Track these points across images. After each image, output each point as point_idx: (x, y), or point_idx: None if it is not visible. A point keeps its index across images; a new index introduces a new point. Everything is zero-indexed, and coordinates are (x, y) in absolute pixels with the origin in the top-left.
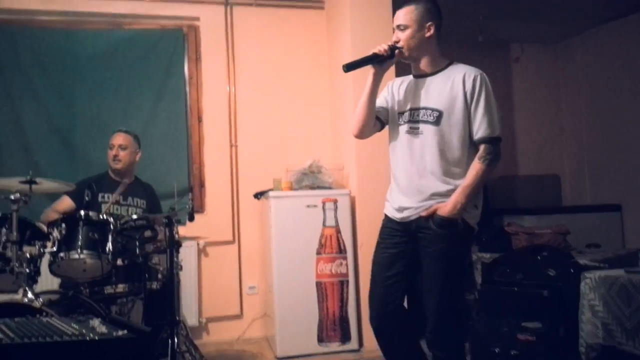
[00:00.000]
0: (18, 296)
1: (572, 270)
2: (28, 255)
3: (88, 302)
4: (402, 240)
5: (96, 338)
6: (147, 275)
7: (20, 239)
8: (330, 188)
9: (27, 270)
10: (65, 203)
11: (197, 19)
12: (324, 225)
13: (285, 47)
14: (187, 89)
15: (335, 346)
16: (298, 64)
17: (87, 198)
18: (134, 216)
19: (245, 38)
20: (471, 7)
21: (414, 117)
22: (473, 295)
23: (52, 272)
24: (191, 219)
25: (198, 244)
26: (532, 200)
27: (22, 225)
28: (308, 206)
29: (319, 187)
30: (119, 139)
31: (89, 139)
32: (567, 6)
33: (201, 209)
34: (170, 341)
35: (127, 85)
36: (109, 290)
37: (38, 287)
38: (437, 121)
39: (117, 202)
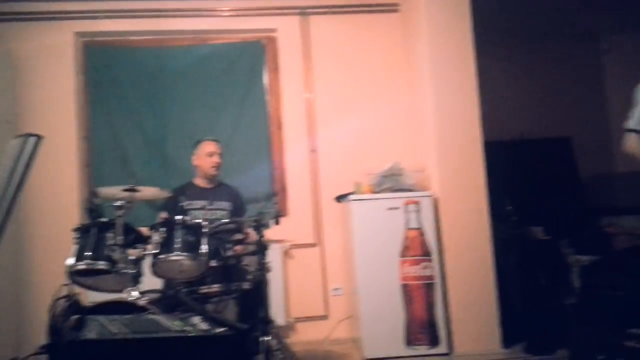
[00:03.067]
0: (124, 295)
1: None
2: (132, 257)
3: (187, 301)
4: None
5: (200, 334)
6: (239, 276)
7: (125, 243)
8: (412, 190)
9: (132, 271)
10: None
11: (275, 30)
12: (407, 227)
13: (361, 52)
14: (267, 98)
15: (423, 349)
16: (375, 67)
17: (181, 204)
18: (225, 220)
19: (321, 45)
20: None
21: None
22: (571, 300)
23: (153, 273)
24: (277, 222)
25: (283, 247)
26: (633, 198)
27: (126, 229)
28: (390, 209)
29: (400, 190)
30: (214, 146)
31: (179, 149)
32: None
33: (284, 212)
34: (263, 339)
35: (212, 97)
36: (204, 290)
37: (142, 287)
38: None
39: (203, 208)
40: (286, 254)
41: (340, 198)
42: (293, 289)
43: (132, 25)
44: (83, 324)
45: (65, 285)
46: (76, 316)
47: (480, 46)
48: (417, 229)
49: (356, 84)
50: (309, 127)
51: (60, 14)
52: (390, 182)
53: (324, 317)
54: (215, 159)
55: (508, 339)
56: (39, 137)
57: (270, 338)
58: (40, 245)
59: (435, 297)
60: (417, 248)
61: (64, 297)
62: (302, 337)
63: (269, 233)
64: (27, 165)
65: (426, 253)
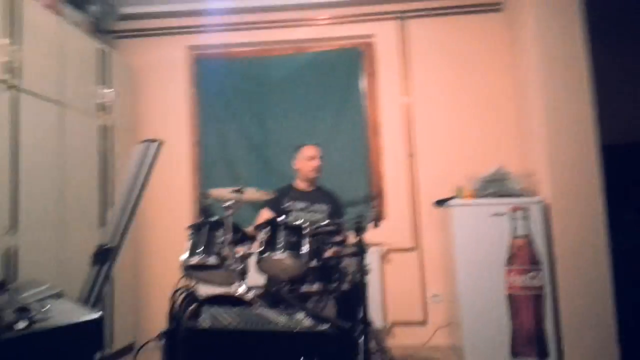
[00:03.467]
0: (233, 289)
1: None
2: (239, 254)
3: (289, 299)
4: None
5: (304, 330)
6: (338, 277)
7: (233, 240)
8: (519, 195)
9: (239, 267)
10: (265, 215)
11: (372, 36)
12: (513, 235)
13: (462, 54)
14: (365, 103)
15: None
16: (477, 68)
17: (284, 205)
18: (324, 222)
19: (419, 49)
20: None
21: None
22: None
23: (257, 270)
24: (376, 225)
25: (380, 250)
26: None
27: (234, 228)
28: (494, 215)
29: (505, 195)
30: (315, 150)
31: (279, 153)
32: None
33: (382, 216)
34: (362, 340)
35: (311, 103)
36: (305, 288)
37: (248, 282)
38: None
39: (303, 210)
40: (384, 257)
41: (439, 203)
42: (390, 292)
43: (237, 37)
44: (199, 314)
45: (182, 278)
46: (193, 306)
47: (596, 41)
48: (525, 236)
49: (457, 86)
50: (407, 131)
51: (174, 29)
52: (495, 186)
53: (422, 323)
54: (315, 163)
55: (627, 359)
56: (160, 143)
57: (369, 340)
58: (157, 241)
59: (545, 308)
60: (524, 257)
61: (183, 288)
62: (399, 341)
63: (367, 236)
64: (150, 168)
65: (535, 262)
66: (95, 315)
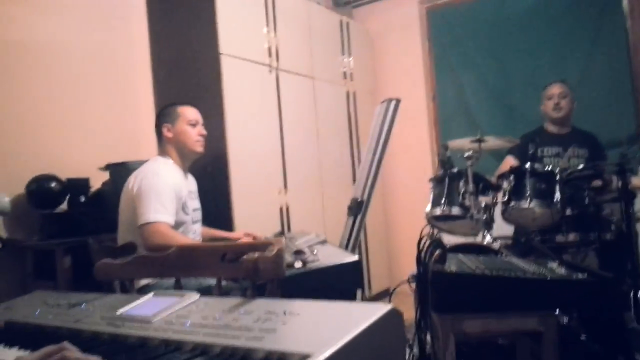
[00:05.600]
0: (478, 239)
1: None
2: (483, 204)
3: (541, 248)
4: None
5: (560, 279)
6: (599, 226)
7: (476, 190)
8: None
9: (484, 217)
10: (509, 162)
11: None
12: None
13: None
14: (628, 24)
15: None
16: None
17: (531, 151)
18: (580, 166)
19: None
20: None
21: None
22: None
23: (504, 219)
24: None
25: None
26: None
27: (475, 178)
28: None
29: None
30: (556, 88)
31: (522, 97)
32: None
33: None
34: (632, 294)
35: (557, 36)
36: (559, 239)
37: (493, 233)
38: None
39: (557, 155)
40: None
41: None
42: None
43: None
44: (444, 259)
45: (425, 227)
46: (439, 251)
47: None
48: None
49: None
50: None
51: None
52: None
53: None
54: (555, 101)
55: None
56: (398, 100)
57: None
58: (401, 194)
59: None
60: None
61: (428, 235)
62: None
63: (635, 180)
64: (390, 125)
65: None
66: (354, 257)
